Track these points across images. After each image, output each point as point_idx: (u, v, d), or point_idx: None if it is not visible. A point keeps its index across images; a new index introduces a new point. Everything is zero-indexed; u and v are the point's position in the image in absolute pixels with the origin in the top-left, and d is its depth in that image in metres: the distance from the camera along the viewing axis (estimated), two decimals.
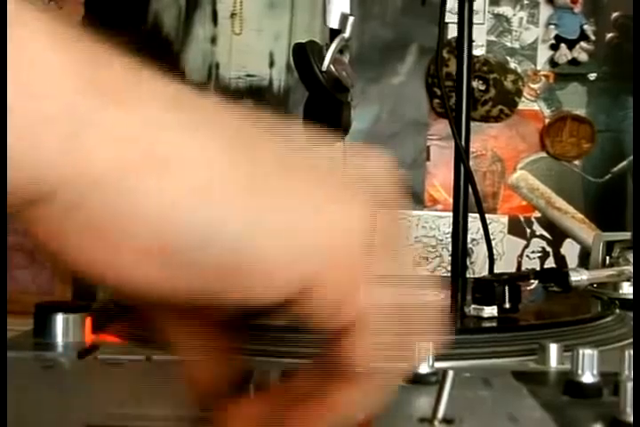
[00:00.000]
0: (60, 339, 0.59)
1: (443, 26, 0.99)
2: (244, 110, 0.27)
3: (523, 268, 2.06)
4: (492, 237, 1.01)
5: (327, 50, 0.73)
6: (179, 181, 0.23)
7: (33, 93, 0.22)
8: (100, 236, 0.23)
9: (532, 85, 2.09)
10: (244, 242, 0.24)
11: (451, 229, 0.99)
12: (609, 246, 0.84)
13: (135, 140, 0.23)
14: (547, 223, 2.01)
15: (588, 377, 0.44)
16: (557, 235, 2.02)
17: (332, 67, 0.73)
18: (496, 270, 0.92)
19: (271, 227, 0.25)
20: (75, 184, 0.23)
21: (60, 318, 0.60)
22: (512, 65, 2.08)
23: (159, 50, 2.05)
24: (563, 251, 2.06)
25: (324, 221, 0.25)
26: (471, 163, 0.99)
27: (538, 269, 1.93)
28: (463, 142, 0.95)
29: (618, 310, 0.70)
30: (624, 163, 2.06)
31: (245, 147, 0.25)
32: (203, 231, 0.24)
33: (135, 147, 0.23)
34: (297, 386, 0.30)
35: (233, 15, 2.08)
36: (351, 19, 0.75)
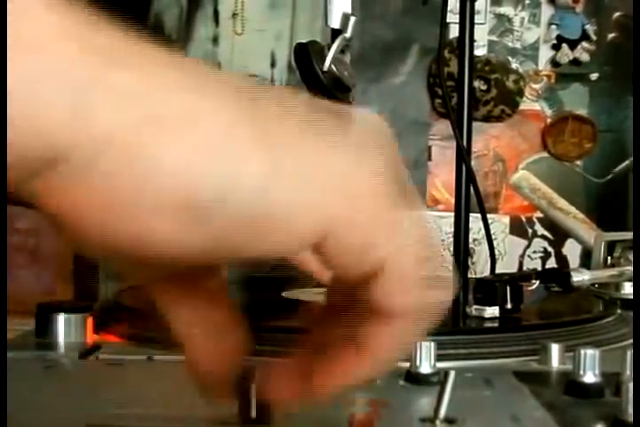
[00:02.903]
0: (61, 339, 0.59)
1: (444, 26, 0.98)
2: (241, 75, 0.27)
3: (524, 268, 2.05)
4: (493, 237, 1.01)
5: (328, 50, 0.73)
6: (192, 137, 0.23)
7: (36, 50, 0.22)
8: (116, 194, 0.23)
9: (534, 85, 2.08)
10: (261, 192, 0.24)
11: (452, 229, 0.99)
12: (610, 246, 0.84)
13: (144, 98, 0.23)
14: (548, 223, 2.01)
15: (589, 377, 0.44)
16: (559, 235, 2.02)
17: (333, 67, 0.73)
18: (498, 270, 0.92)
19: (287, 174, 0.25)
20: (87, 143, 0.22)
21: (61, 318, 0.60)
22: (514, 65, 2.08)
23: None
24: (564, 251, 2.06)
25: (340, 164, 0.26)
26: (473, 163, 0.98)
27: (539, 269, 1.93)
28: (465, 142, 0.95)
29: (619, 310, 0.70)
30: (626, 163, 2.06)
31: (254, 102, 0.25)
32: (220, 184, 0.24)
33: (145, 105, 0.23)
34: (329, 337, 0.30)
35: (234, 15, 2.08)
36: (352, 19, 0.75)
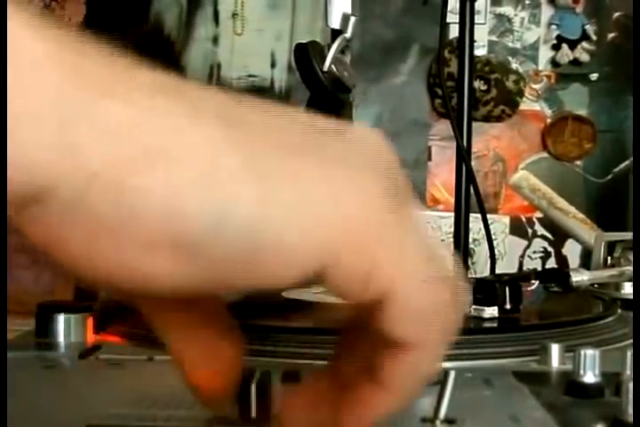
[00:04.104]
0: (61, 339, 0.59)
1: (444, 26, 0.98)
2: (231, 95, 0.26)
3: (524, 268, 2.06)
4: (493, 237, 1.01)
5: (328, 50, 0.73)
6: (181, 169, 0.23)
7: (20, 82, 0.21)
8: (103, 232, 0.23)
9: (534, 86, 2.08)
10: (253, 222, 0.23)
11: (452, 230, 0.99)
12: (610, 247, 0.84)
13: (131, 131, 0.23)
14: (548, 223, 2.01)
15: (589, 377, 0.44)
16: (559, 235, 2.02)
17: (333, 67, 0.73)
18: (497, 271, 0.92)
19: (282, 202, 0.24)
20: (72, 179, 0.22)
21: (61, 318, 0.60)
22: (514, 65, 2.08)
23: (160, 50, 2.05)
24: (564, 251, 2.06)
25: (335, 190, 0.25)
26: (473, 163, 0.99)
27: (539, 269, 1.93)
28: (465, 142, 0.95)
29: (619, 311, 0.70)
30: (625, 163, 2.06)
31: (242, 127, 0.25)
32: (213, 216, 0.23)
33: (132, 138, 0.23)
34: (343, 369, 0.30)
35: (234, 15, 2.08)
36: (352, 19, 0.75)
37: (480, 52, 2.01)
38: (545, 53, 2.08)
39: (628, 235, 0.83)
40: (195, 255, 0.23)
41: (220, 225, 0.23)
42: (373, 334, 0.27)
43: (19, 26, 0.22)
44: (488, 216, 1.02)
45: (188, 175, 0.23)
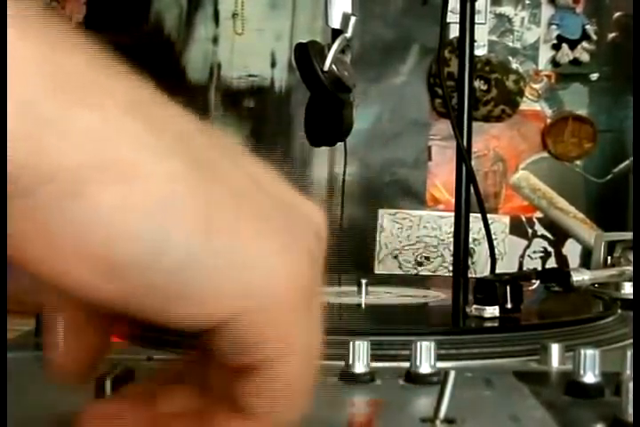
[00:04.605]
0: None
1: (444, 26, 0.98)
2: (206, 126, 0.27)
3: (524, 268, 2.06)
4: (493, 237, 1.01)
5: (329, 50, 0.73)
6: (135, 190, 0.23)
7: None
8: (42, 229, 0.23)
9: (534, 85, 2.09)
10: (192, 260, 0.24)
11: (452, 229, 0.99)
12: (610, 246, 0.84)
13: (96, 142, 0.23)
14: (548, 223, 2.01)
15: (589, 377, 0.44)
16: (559, 235, 2.02)
17: (333, 67, 0.73)
18: (498, 270, 0.92)
19: (217, 255, 0.24)
20: (32, 173, 0.22)
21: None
22: (514, 65, 2.08)
23: (161, 50, 2.05)
24: (564, 251, 2.06)
25: (266, 263, 0.25)
26: (473, 163, 0.98)
27: (539, 269, 1.93)
28: (465, 142, 0.95)
29: (619, 310, 0.70)
30: (625, 163, 2.06)
31: (207, 167, 0.25)
32: (154, 243, 0.23)
33: (95, 150, 0.23)
34: (172, 395, 0.29)
35: (234, 15, 2.08)
36: (353, 19, 0.75)
37: (480, 51, 2.01)
38: (545, 53, 2.08)
39: (628, 235, 0.83)
40: (117, 276, 0.24)
41: (157, 254, 0.23)
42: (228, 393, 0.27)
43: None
44: (488, 216, 1.02)
45: (141, 197, 0.23)
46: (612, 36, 2.07)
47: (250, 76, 2.08)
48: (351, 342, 0.45)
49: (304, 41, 0.75)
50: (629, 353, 0.44)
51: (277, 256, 0.26)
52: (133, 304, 0.25)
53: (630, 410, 0.37)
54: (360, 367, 0.45)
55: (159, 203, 0.24)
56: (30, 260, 0.24)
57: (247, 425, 0.27)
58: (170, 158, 0.24)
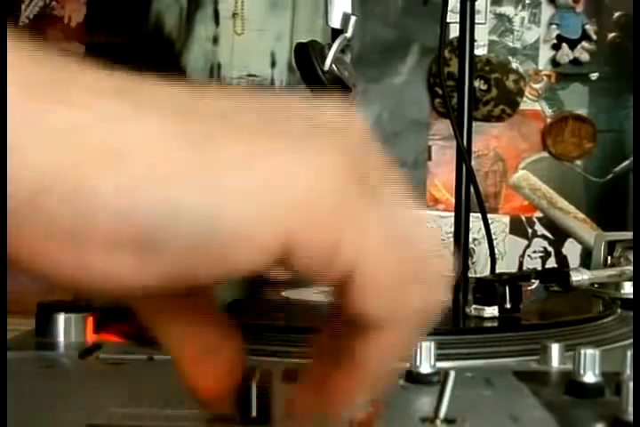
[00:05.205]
0: (61, 339, 0.59)
1: (444, 25, 0.98)
2: (189, 83, 0.26)
3: (524, 268, 2.05)
4: (493, 236, 1.01)
5: (329, 49, 0.73)
6: (129, 167, 0.23)
7: None
8: (64, 237, 0.23)
9: (534, 85, 2.08)
10: (209, 210, 0.23)
11: (452, 229, 0.99)
12: (610, 246, 0.84)
13: (78, 134, 0.23)
14: (548, 223, 2.01)
15: (589, 377, 0.44)
16: (559, 235, 2.02)
17: (333, 66, 0.73)
18: (498, 270, 0.92)
19: (233, 187, 0.24)
20: (23, 190, 0.22)
21: (61, 318, 0.60)
22: (514, 65, 2.08)
23: (161, 50, 2.05)
24: (564, 251, 2.06)
25: (289, 165, 0.24)
26: (473, 163, 0.98)
27: (539, 268, 1.93)
28: (465, 142, 0.95)
29: (619, 310, 0.70)
30: (626, 163, 2.06)
31: (191, 116, 0.24)
32: (165, 211, 0.23)
33: (80, 141, 0.23)
34: (324, 356, 0.29)
35: (234, 15, 2.08)
36: (353, 18, 0.75)
37: (480, 51, 2.01)
38: (545, 53, 2.08)
39: (628, 235, 0.83)
40: (154, 252, 0.23)
41: (173, 218, 0.23)
42: (346, 321, 0.27)
43: None
44: (488, 216, 1.02)
45: (136, 172, 0.23)
46: (612, 35, 2.07)
47: (250, 75, 2.08)
48: None
49: (304, 41, 0.75)
50: (629, 353, 0.44)
51: (297, 159, 0.24)
52: (183, 273, 0.24)
53: (630, 410, 0.37)
54: None
55: (154, 170, 0.23)
56: (65, 271, 0.23)
57: (356, 381, 0.27)
58: (151, 125, 0.24)
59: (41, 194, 0.22)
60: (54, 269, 0.23)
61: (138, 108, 0.24)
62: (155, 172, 0.23)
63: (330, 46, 0.74)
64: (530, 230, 2.08)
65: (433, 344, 0.46)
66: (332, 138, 0.26)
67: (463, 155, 0.93)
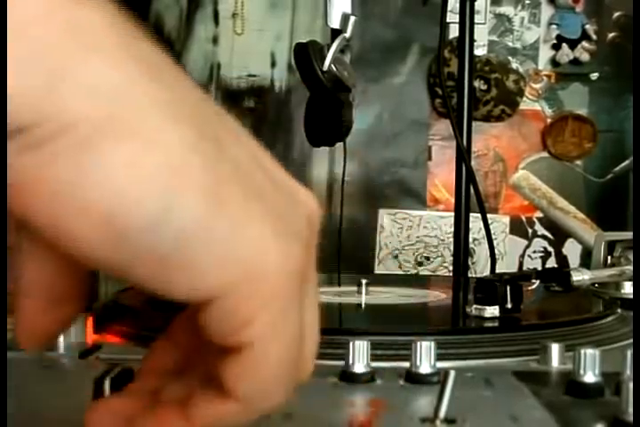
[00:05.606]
0: (61, 339, 0.59)
1: (444, 26, 0.99)
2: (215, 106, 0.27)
3: (524, 268, 2.06)
4: (493, 237, 1.01)
5: (328, 50, 0.73)
6: (148, 152, 0.23)
7: (19, 34, 0.22)
8: (59, 190, 0.23)
9: (534, 85, 2.09)
10: (193, 234, 0.24)
11: (452, 229, 0.99)
12: (610, 246, 0.84)
13: (112, 97, 0.23)
14: (548, 223, 2.01)
15: (589, 377, 0.44)
16: (559, 235, 2.02)
17: (333, 66, 0.73)
18: (498, 270, 0.92)
19: (227, 221, 0.24)
20: (49, 123, 0.22)
21: None
22: (514, 65, 2.08)
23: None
24: (564, 251, 2.06)
25: (261, 245, 0.25)
26: (473, 163, 0.99)
27: (539, 268, 1.93)
28: (465, 142, 0.95)
29: (619, 310, 0.70)
30: (625, 163, 2.06)
31: (216, 141, 0.25)
32: (159, 208, 0.23)
33: (110, 105, 0.23)
34: (166, 387, 0.29)
35: (234, 15, 2.08)
36: (352, 19, 0.75)
37: (480, 51, 2.01)
38: (545, 53, 2.08)
39: (628, 235, 0.83)
40: (121, 239, 0.23)
41: (160, 220, 0.23)
42: (212, 375, 0.27)
43: None
44: (488, 216, 1.02)
45: (153, 160, 0.23)
46: (611, 35, 2.07)
47: (250, 76, 2.08)
48: (351, 342, 0.45)
49: (304, 41, 0.75)
50: (629, 353, 0.44)
51: (272, 239, 0.25)
52: (135, 271, 0.24)
53: (630, 410, 0.37)
54: (360, 367, 0.45)
55: (170, 166, 0.23)
56: (32, 215, 0.23)
57: (228, 408, 0.27)
58: (186, 127, 0.24)
59: (55, 137, 0.22)
60: (36, 218, 0.23)
61: (170, 100, 0.24)
62: (169, 168, 0.23)
63: (329, 46, 0.74)
64: (530, 230, 2.08)
65: (433, 344, 0.46)
66: (303, 229, 0.27)
67: (463, 155, 0.93)
